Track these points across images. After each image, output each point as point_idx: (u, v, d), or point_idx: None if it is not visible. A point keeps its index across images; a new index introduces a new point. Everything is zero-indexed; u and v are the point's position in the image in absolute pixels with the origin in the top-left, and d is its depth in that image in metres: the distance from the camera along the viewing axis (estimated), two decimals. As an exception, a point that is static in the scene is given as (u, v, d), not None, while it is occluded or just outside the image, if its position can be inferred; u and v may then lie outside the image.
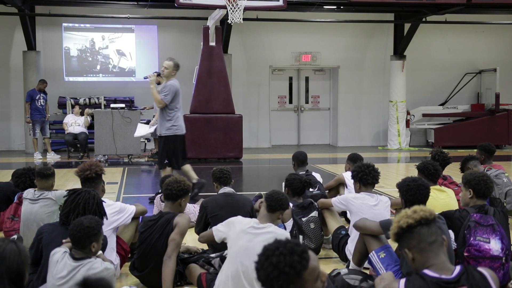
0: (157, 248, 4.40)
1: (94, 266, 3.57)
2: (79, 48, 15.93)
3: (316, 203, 5.55)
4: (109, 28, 15.99)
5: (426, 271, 2.63)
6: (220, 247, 4.60)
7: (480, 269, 2.71)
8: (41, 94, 13.56)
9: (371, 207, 4.85)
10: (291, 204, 5.41)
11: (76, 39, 15.93)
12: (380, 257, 4.22)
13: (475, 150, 7.24)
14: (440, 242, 2.70)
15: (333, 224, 5.43)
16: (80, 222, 3.63)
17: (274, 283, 2.19)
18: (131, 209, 4.82)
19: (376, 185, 5.17)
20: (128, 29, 16.10)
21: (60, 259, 3.61)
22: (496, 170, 6.50)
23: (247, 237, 3.88)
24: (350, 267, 4.63)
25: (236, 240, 3.92)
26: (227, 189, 5.39)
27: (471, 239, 4.03)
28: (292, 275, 2.19)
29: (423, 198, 4.15)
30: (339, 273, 4.23)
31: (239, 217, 4.13)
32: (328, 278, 4.26)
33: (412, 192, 4.14)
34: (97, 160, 11.63)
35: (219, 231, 4.16)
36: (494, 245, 3.99)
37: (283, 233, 4.01)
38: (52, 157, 13.52)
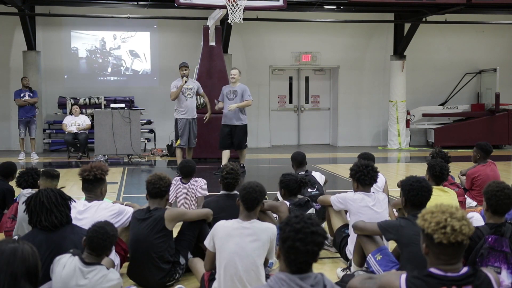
0: (147, 246, 4.47)
1: (110, 277, 3.58)
2: (88, 48, 15.63)
3: (312, 202, 5.60)
4: (121, 26, 15.70)
5: (432, 270, 2.64)
6: None
7: (486, 271, 2.71)
8: (27, 92, 13.50)
9: (370, 207, 4.85)
10: (287, 203, 5.42)
11: (85, 39, 15.60)
12: (377, 259, 4.25)
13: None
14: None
15: (336, 221, 5.45)
16: (104, 230, 3.63)
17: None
18: (130, 212, 4.81)
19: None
20: (141, 28, 15.74)
21: (68, 263, 3.56)
22: None
23: (233, 240, 3.89)
24: (351, 267, 4.67)
25: (224, 244, 3.92)
26: (228, 190, 5.36)
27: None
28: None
29: (424, 200, 4.12)
30: (353, 274, 4.28)
31: (221, 222, 4.07)
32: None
33: (414, 193, 4.11)
34: (98, 160, 11.65)
35: (210, 244, 4.06)
36: (505, 278, 3.71)
37: (268, 227, 4.00)
38: (36, 159, 13.43)
